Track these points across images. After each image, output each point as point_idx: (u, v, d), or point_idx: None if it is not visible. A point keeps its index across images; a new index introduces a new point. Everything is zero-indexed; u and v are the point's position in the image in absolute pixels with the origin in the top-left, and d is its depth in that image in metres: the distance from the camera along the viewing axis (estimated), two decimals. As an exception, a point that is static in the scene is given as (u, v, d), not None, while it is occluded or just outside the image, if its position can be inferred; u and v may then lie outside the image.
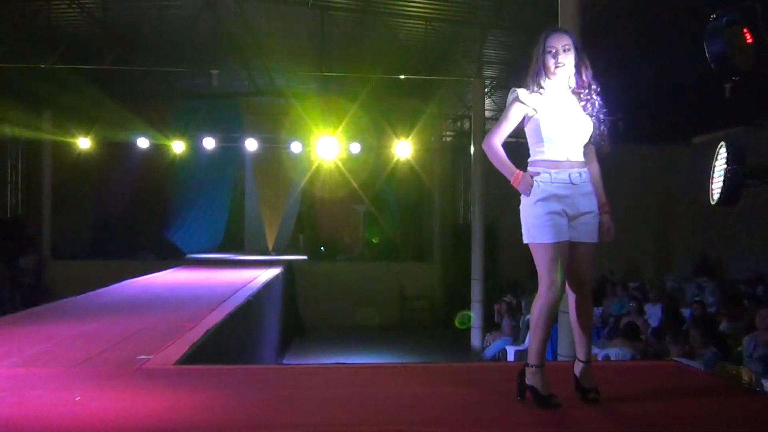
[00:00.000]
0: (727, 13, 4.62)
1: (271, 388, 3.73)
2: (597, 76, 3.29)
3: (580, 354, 3.33)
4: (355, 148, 16.47)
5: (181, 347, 4.85)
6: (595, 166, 3.32)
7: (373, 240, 17.73)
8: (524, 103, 3.24)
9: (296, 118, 17.04)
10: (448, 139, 18.63)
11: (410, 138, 15.83)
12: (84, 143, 16.34)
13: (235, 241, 18.90)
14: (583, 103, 3.26)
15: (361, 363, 10.19)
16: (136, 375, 4.02)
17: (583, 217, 3.21)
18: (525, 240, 3.22)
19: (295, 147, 16.60)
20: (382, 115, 16.25)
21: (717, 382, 4.01)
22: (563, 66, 3.21)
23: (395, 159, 16.44)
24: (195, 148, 16.51)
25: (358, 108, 15.59)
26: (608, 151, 3.31)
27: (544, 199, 3.15)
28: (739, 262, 13.83)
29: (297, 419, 3.11)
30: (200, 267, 13.81)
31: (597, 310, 10.46)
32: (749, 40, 4.59)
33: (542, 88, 3.24)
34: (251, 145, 16.56)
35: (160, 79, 14.61)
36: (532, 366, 3.22)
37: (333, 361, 10.42)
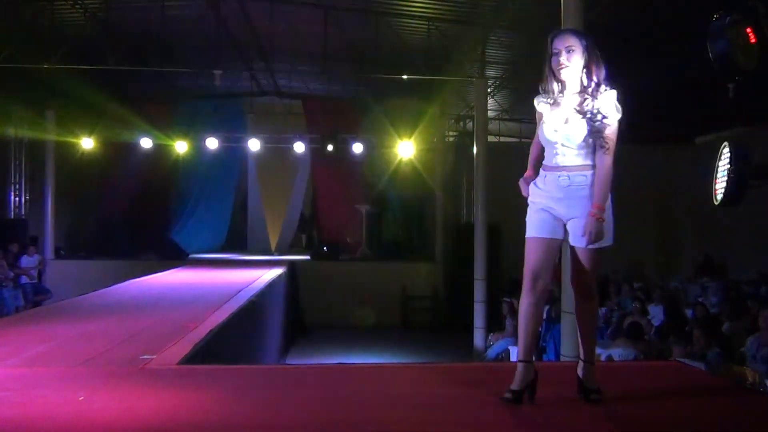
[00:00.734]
0: (731, 12, 4.62)
1: (273, 388, 3.74)
2: (611, 77, 3.25)
3: (582, 354, 3.34)
4: (358, 148, 16.48)
5: (184, 347, 4.86)
6: (598, 168, 3.21)
7: (376, 240, 17.73)
8: (536, 109, 3.32)
9: (299, 119, 17.08)
10: (451, 139, 18.60)
11: (413, 138, 15.83)
12: (87, 143, 16.38)
13: (238, 241, 18.92)
14: (581, 103, 3.22)
15: (364, 363, 10.18)
16: (139, 375, 4.03)
17: (573, 221, 3.23)
18: None
19: (298, 147, 16.62)
20: (384, 115, 16.26)
21: (721, 382, 4.00)
22: (567, 67, 3.20)
23: (398, 159, 16.44)
24: (198, 148, 16.54)
25: (361, 108, 15.61)
26: (612, 152, 3.23)
27: (534, 201, 3.28)
28: (742, 262, 13.79)
29: (300, 419, 3.11)
30: (203, 267, 13.83)
31: (601, 310, 10.46)
32: (752, 40, 4.58)
33: (551, 91, 3.26)
34: (254, 145, 16.58)
35: (164, 79, 14.64)
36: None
37: (336, 361, 10.42)
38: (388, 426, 3.03)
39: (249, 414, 3.17)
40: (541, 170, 3.29)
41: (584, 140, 3.20)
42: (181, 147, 16.32)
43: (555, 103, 3.27)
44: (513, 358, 10.03)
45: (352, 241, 17.66)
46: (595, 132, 3.18)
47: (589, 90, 3.21)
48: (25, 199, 17.25)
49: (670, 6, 9.45)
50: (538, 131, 3.32)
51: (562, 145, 3.22)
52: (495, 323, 12.03)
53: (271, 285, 10.54)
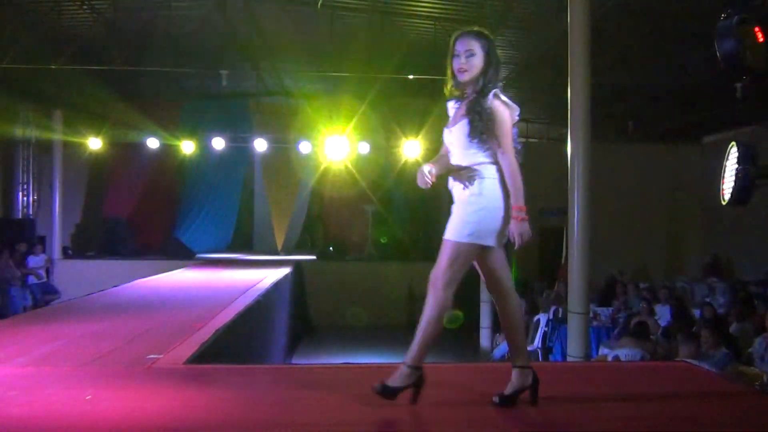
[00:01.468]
0: (739, 11, 4.59)
1: (279, 387, 3.74)
2: (503, 86, 3.24)
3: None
4: (364, 148, 16.47)
5: (190, 347, 4.87)
6: (504, 168, 3.13)
7: (382, 240, 17.73)
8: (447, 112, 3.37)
9: (305, 119, 17.08)
10: (457, 139, 18.56)
11: (419, 138, 15.82)
12: (94, 143, 16.43)
13: (244, 240, 18.94)
14: (470, 104, 3.19)
15: (370, 363, 10.18)
16: (145, 374, 4.04)
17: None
18: None
19: (304, 147, 16.63)
20: (391, 115, 16.25)
21: (728, 383, 3.98)
22: (465, 71, 3.18)
23: (404, 159, 16.43)
24: (204, 148, 16.56)
25: (367, 108, 15.59)
26: (510, 150, 3.12)
27: None
28: (749, 262, 13.74)
29: (305, 419, 3.11)
30: (209, 267, 13.85)
31: (607, 311, 10.43)
32: (761, 39, 4.55)
33: (454, 93, 3.27)
34: (260, 145, 16.60)
35: (170, 79, 14.66)
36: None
37: (341, 360, 10.41)
38: (392, 426, 3.03)
39: (255, 413, 3.17)
40: None
41: (467, 141, 3.16)
42: (187, 147, 16.36)
43: (457, 106, 3.30)
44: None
45: (358, 241, 17.67)
46: (476, 132, 3.13)
47: (479, 91, 3.18)
48: (33, 199, 17.32)
49: (676, 5, 9.40)
50: None
51: (451, 144, 3.26)
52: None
53: (277, 285, 10.55)
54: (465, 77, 3.19)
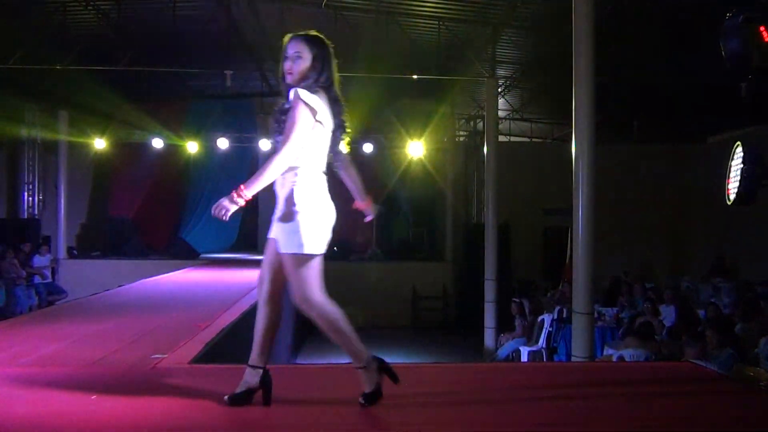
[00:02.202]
0: (744, 10, 4.58)
1: (284, 387, 3.74)
2: (320, 88, 3.14)
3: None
4: (368, 148, 16.49)
5: (195, 346, 4.88)
6: (270, 156, 3.14)
7: (386, 240, 17.73)
8: None
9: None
10: (461, 139, 18.58)
11: (423, 138, 15.82)
12: (99, 144, 16.49)
13: (248, 240, 18.96)
14: (282, 105, 3.19)
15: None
16: (150, 374, 4.04)
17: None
18: None
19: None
20: (395, 115, 16.25)
21: (734, 383, 3.97)
22: (290, 74, 3.18)
23: (408, 159, 16.43)
24: (209, 148, 16.60)
25: (371, 108, 15.58)
26: (287, 147, 3.07)
27: None
28: (755, 263, 13.69)
29: (310, 419, 3.12)
30: (214, 267, 13.88)
31: (612, 311, 10.41)
32: (766, 39, 4.54)
33: (285, 93, 3.21)
34: (265, 145, 16.63)
35: (175, 80, 14.70)
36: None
37: (346, 361, 10.41)
38: (397, 426, 3.03)
39: (260, 413, 3.18)
40: None
41: (276, 141, 3.18)
42: (192, 147, 16.39)
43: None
44: (524, 358, 10.02)
45: (362, 241, 17.67)
46: (279, 132, 3.15)
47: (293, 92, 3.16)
48: (38, 199, 17.37)
49: (681, 5, 9.39)
50: None
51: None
52: (505, 323, 12.00)
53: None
54: (289, 79, 3.20)
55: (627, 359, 7.07)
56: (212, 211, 3.06)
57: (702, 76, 11.19)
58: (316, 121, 3.13)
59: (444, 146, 17.43)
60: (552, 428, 3.03)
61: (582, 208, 7.15)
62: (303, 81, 3.16)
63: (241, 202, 3.06)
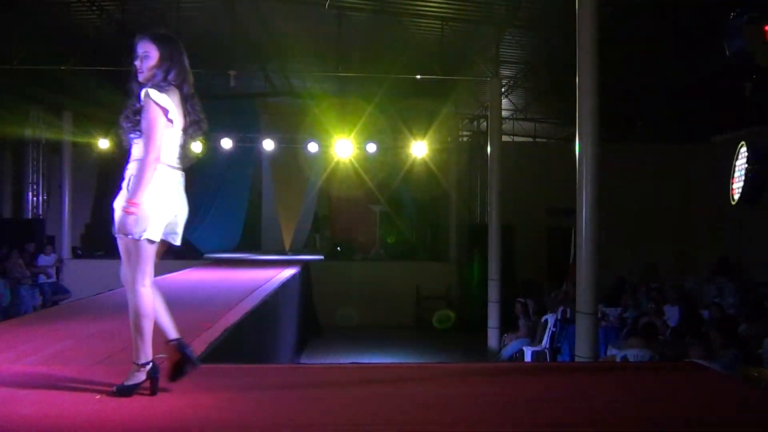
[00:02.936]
0: (748, 10, 4.57)
1: (287, 387, 3.75)
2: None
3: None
4: (372, 148, 16.49)
5: (198, 346, 4.88)
6: (137, 163, 3.29)
7: (389, 240, 17.74)
8: None
9: (313, 119, 17.10)
10: (465, 139, 18.57)
11: (426, 138, 15.81)
12: (103, 144, 16.51)
13: (252, 240, 18.99)
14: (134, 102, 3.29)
15: (377, 363, 10.19)
16: (154, 373, 4.04)
17: None
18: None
19: (312, 147, 16.66)
20: (398, 115, 16.25)
21: (738, 384, 3.97)
22: (141, 72, 3.29)
23: (412, 159, 16.43)
24: (212, 148, 16.61)
25: (375, 108, 15.60)
26: (149, 147, 3.23)
27: None
28: (759, 263, 13.64)
29: (314, 418, 3.12)
30: (217, 267, 13.89)
31: (615, 311, 10.39)
32: (770, 38, 4.53)
33: (136, 92, 3.29)
34: (268, 145, 16.65)
35: (179, 80, 14.70)
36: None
37: (349, 360, 10.42)
38: (400, 425, 3.03)
39: (263, 413, 3.18)
40: None
41: (129, 139, 3.30)
42: (195, 147, 16.35)
43: None
44: (527, 358, 10.01)
45: (365, 241, 17.67)
46: (127, 128, 3.28)
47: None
48: (43, 199, 17.42)
49: (687, 4, 9.37)
50: None
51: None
52: (509, 323, 12.00)
53: (285, 285, 10.56)
54: (141, 78, 3.30)
55: (631, 359, 7.06)
56: (116, 230, 3.33)
57: (706, 75, 11.17)
58: (168, 119, 3.27)
59: (447, 146, 17.43)
60: (556, 428, 3.03)
61: (586, 208, 7.14)
62: (152, 79, 3.27)
63: (136, 211, 3.23)
